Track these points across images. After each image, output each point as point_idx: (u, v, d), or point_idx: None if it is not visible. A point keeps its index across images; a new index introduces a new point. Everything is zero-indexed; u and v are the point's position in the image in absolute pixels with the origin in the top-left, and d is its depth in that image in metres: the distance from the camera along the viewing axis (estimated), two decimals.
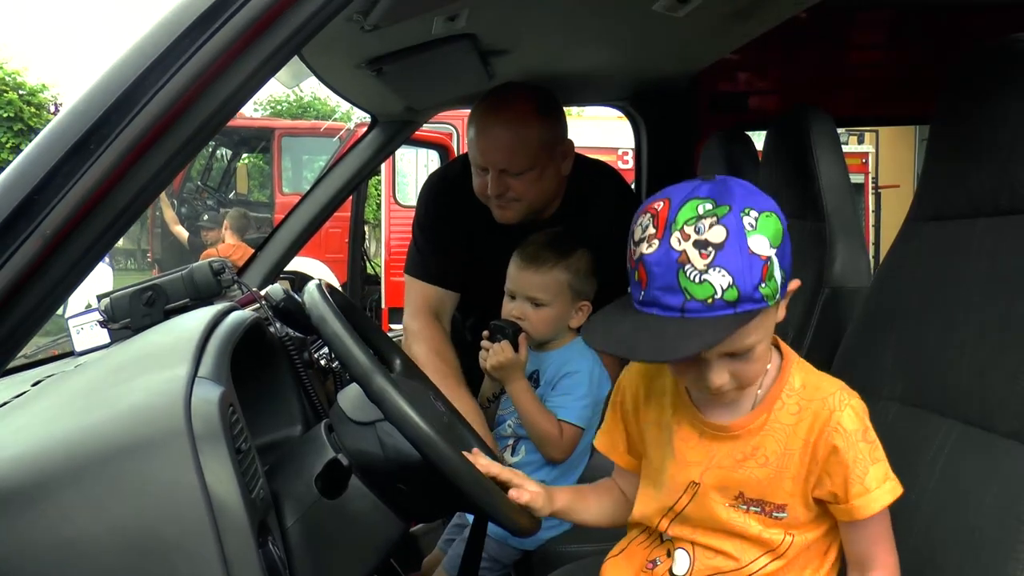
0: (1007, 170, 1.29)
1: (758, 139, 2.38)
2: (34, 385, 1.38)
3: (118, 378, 1.14)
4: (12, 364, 1.04)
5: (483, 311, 2.17)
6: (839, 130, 2.00)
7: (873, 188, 10.18)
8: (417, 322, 2.22)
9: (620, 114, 3.22)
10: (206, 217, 9.23)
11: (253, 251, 2.75)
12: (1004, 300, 1.27)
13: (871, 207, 10.06)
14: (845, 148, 9.35)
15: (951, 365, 1.35)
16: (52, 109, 14.37)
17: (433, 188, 2.37)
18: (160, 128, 0.92)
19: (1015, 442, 1.19)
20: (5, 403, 1.24)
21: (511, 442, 2.00)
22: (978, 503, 1.22)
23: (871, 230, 9.93)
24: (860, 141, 10.58)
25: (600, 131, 8.50)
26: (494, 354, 1.88)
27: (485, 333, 1.93)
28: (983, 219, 1.35)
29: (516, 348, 1.88)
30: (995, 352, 1.26)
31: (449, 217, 2.29)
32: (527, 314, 1.91)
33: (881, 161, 10.54)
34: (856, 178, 9.44)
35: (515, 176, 2.06)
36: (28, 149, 0.94)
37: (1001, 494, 1.18)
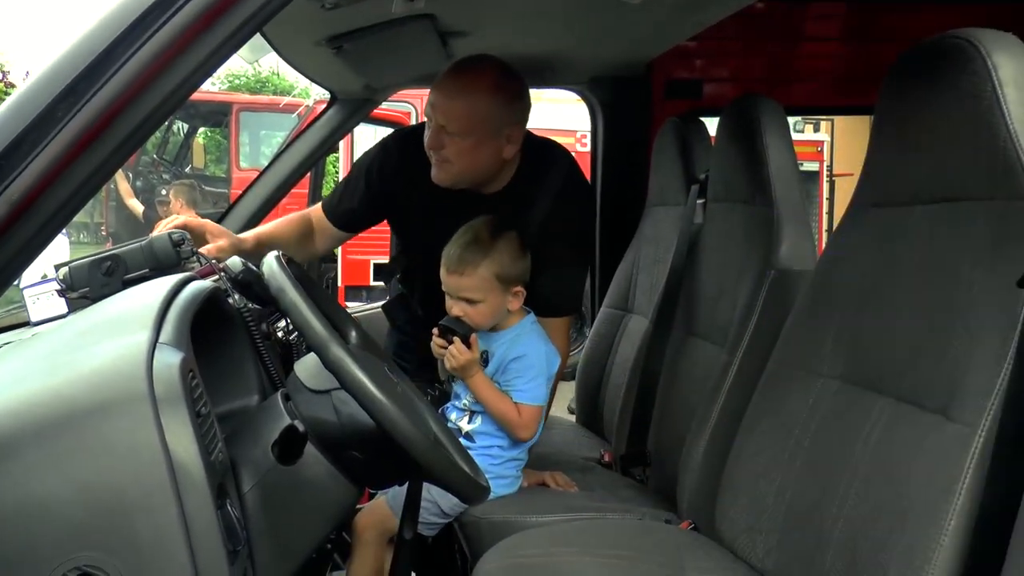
0: (943, 161, 1.35)
1: (712, 125, 2.42)
2: None
3: (80, 343, 1.15)
4: None
5: (425, 283, 2.24)
6: (796, 118, 2.05)
7: (828, 176, 10.33)
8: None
9: (578, 96, 3.25)
10: (164, 192, 9.09)
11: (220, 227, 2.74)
12: (937, 284, 1.33)
13: (825, 194, 10.21)
14: (800, 136, 9.48)
15: (887, 345, 1.41)
16: (1, 77, 14.00)
17: (398, 139, 2.38)
18: (126, 99, 0.94)
19: (941, 417, 1.26)
20: None
21: (467, 414, 2.08)
22: (907, 475, 1.28)
23: (825, 217, 10.08)
24: (816, 129, 10.72)
25: (559, 113, 8.50)
26: (452, 358, 1.98)
27: (435, 331, 2.02)
28: (920, 206, 1.41)
29: (469, 347, 1.98)
30: (926, 333, 1.33)
31: (399, 171, 2.31)
32: (467, 312, 1.99)
33: (836, 150, 10.68)
34: (811, 166, 9.55)
35: (452, 136, 2.07)
36: None
37: (928, 466, 1.25)
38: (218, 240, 2.03)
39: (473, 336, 1.98)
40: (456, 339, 1.98)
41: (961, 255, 1.29)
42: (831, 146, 10.53)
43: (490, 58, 2.16)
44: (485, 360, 2.05)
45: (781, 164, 1.93)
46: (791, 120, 2.15)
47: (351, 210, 2.37)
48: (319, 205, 2.42)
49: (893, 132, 1.47)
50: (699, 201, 2.31)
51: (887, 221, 1.49)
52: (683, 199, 2.45)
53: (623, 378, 2.53)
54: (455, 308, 2.00)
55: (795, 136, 2.02)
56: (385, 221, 2.48)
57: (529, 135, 2.24)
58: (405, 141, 2.35)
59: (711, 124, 2.48)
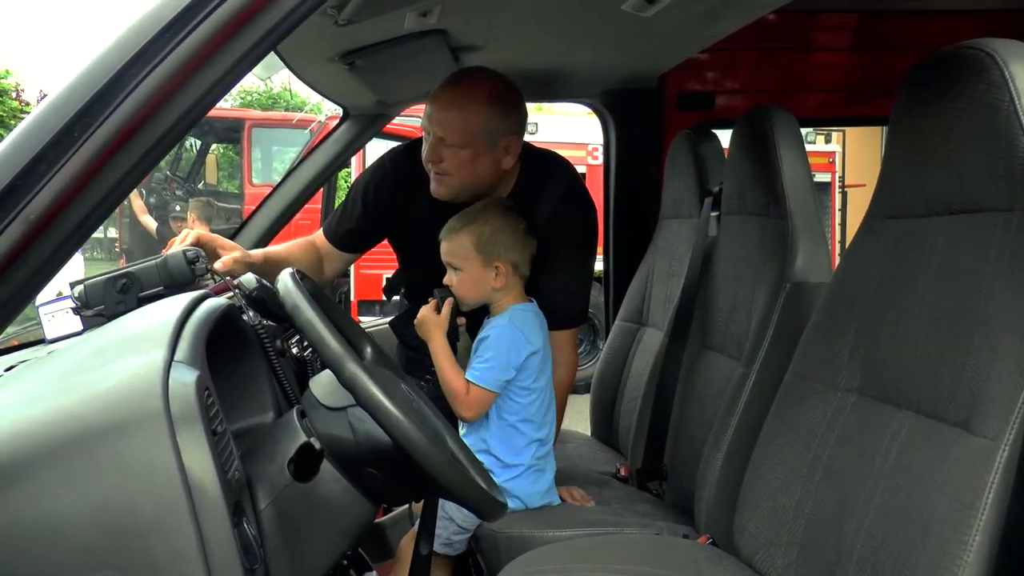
0: (958, 172, 1.34)
1: (725, 137, 2.42)
2: (6, 371, 1.38)
3: (95, 361, 1.15)
4: None
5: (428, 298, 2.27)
6: (807, 129, 2.04)
7: (840, 187, 10.30)
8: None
9: (590, 109, 3.25)
10: (178, 208, 9.15)
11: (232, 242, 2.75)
12: (955, 295, 1.32)
13: (837, 205, 10.17)
14: (812, 147, 9.47)
15: (905, 358, 1.40)
16: (15, 95, 14.13)
17: (394, 157, 2.39)
18: (141, 119, 0.94)
19: (962, 431, 1.24)
20: None
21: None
22: (928, 490, 1.27)
23: (837, 228, 10.05)
24: (827, 140, 10.69)
25: (570, 126, 8.53)
26: (419, 314, 2.04)
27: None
28: (936, 218, 1.40)
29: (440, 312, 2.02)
30: (945, 346, 1.31)
31: (397, 188, 2.32)
32: (453, 281, 2.05)
33: (848, 160, 10.66)
34: (823, 177, 9.52)
35: (450, 148, 2.09)
36: (12, 135, 0.95)
37: (950, 481, 1.23)
38: (230, 254, 2.04)
39: (448, 300, 2.02)
40: (431, 301, 2.03)
41: (980, 266, 1.28)
42: (843, 157, 10.50)
43: (486, 70, 2.18)
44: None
45: (795, 175, 1.92)
46: (803, 132, 2.14)
47: (352, 231, 2.39)
48: (321, 231, 2.44)
49: (908, 143, 1.46)
50: (713, 213, 2.30)
51: (903, 233, 1.48)
52: (697, 211, 2.44)
53: (638, 391, 2.52)
54: (446, 277, 2.06)
55: (807, 147, 2.01)
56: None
57: (528, 147, 2.25)
58: (401, 158, 2.36)
59: (724, 136, 2.47)
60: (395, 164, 2.36)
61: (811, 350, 1.64)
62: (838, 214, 10.15)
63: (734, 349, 2.05)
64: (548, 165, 2.31)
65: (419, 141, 2.22)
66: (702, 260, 2.29)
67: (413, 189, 2.26)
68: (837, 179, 10.19)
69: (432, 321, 2.02)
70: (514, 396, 2.02)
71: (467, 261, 2.02)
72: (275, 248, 2.38)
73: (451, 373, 2.00)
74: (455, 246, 2.03)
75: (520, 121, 2.19)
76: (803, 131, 2.12)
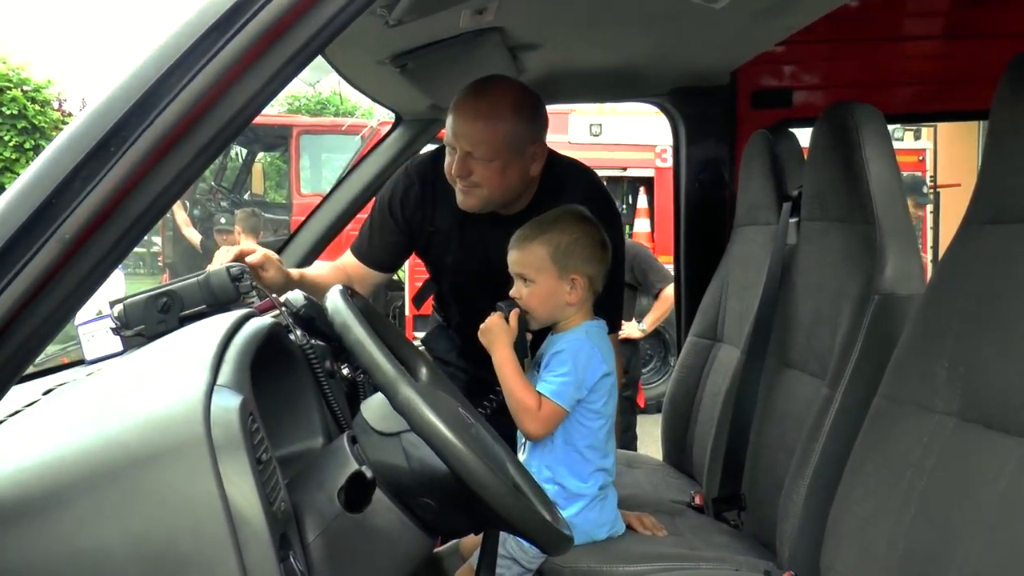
0: None
1: (804, 136, 2.38)
2: (45, 394, 1.41)
3: (134, 386, 1.17)
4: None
5: (460, 309, 2.41)
6: (894, 126, 2.00)
7: (932, 188, 10.09)
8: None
9: (658, 109, 3.24)
10: (223, 220, 9.31)
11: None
12: None
13: (929, 209, 9.97)
14: (899, 145, 9.31)
15: (1012, 378, 1.35)
16: (57, 106, 14.57)
17: (415, 168, 2.45)
18: (181, 130, 0.95)
19: None
20: (16, 412, 1.28)
21: (523, 441, 2.06)
22: None
23: (928, 233, 9.84)
24: (917, 137, 10.49)
25: (637, 127, 8.50)
26: (483, 326, 2.01)
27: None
28: None
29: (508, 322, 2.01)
30: None
31: (421, 199, 2.39)
32: (522, 293, 2.02)
33: (940, 158, 10.43)
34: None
35: (479, 161, 2.15)
36: (46, 151, 0.97)
37: None
38: (269, 269, 2.10)
39: (514, 311, 2.00)
40: (499, 312, 2.01)
41: None
42: (934, 154, 10.28)
43: (504, 77, 2.26)
44: (539, 365, 2.04)
45: (882, 177, 1.89)
46: (890, 128, 2.10)
47: (385, 246, 2.45)
48: (349, 255, 2.50)
49: (1009, 142, 1.42)
50: (792, 220, 2.28)
51: (1005, 239, 1.43)
52: (774, 218, 2.41)
53: (713, 413, 2.50)
54: (513, 290, 2.04)
55: (894, 145, 1.98)
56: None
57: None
58: (423, 169, 2.43)
59: (803, 136, 2.44)
60: (419, 173, 2.42)
61: (903, 369, 1.60)
62: (930, 218, 9.93)
63: (817, 367, 2.02)
64: (565, 169, 2.39)
65: (442, 150, 2.29)
66: (781, 270, 2.26)
67: (438, 198, 2.35)
68: (929, 179, 9.98)
69: (501, 329, 2.00)
70: (584, 419, 2.00)
71: (540, 273, 1.99)
72: (312, 270, 2.45)
73: (520, 385, 1.97)
74: (528, 256, 2.00)
75: (544, 126, 2.27)
76: (890, 128, 2.08)
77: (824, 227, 2.11)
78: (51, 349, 1.98)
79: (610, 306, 2.26)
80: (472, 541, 2.05)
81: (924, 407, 1.52)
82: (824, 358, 1.98)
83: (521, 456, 2.05)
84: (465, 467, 1.14)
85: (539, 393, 1.96)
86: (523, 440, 2.06)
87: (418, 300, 2.75)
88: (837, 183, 1.99)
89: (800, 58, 3.06)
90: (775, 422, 2.17)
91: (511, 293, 2.03)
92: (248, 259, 2.04)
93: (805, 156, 2.30)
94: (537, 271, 1.99)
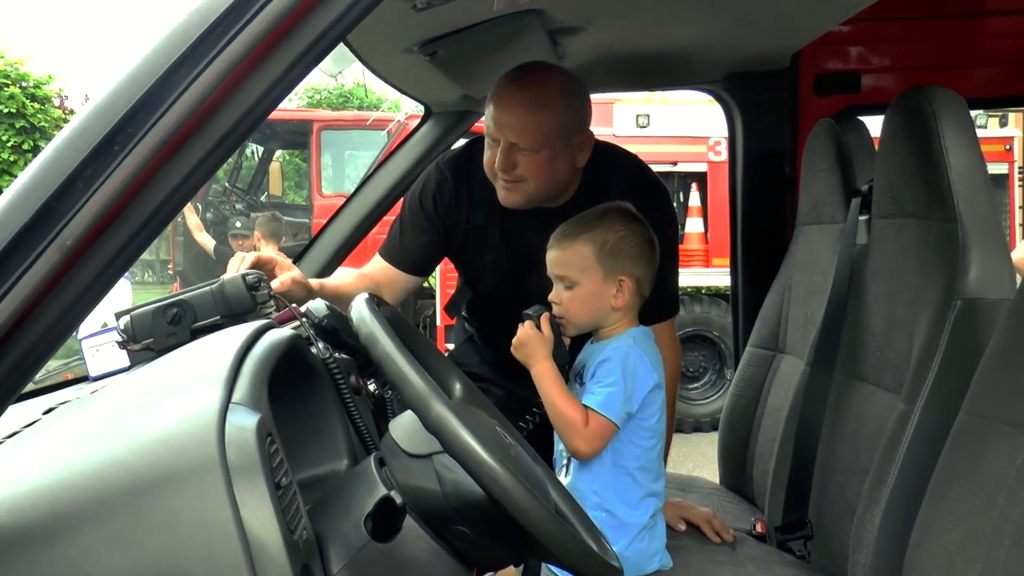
0: None
1: (874, 124, 2.36)
2: (46, 413, 1.42)
3: (142, 404, 1.17)
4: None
5: (495, 317, 2.42)
6: (977, 112, 1.98)
7: (1020, 180, 9.94)
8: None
9: (711, 97, 3.22)
10: (238, 224, 9.40)
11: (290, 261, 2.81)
12: None
13: (1018, 202, 9.82)
14: (983, 133, 9.19)
15: None
16: (58, 103, 14.82)
17: (448, 163, 2.48)
18: (191, 126, 0.95)
19: None
20: (15, 433, 1.29)
21: (564, 461, 2.05)
22: None
23: (1018, 230, 9.70)
24: (1003, 123, 10.36)
25: (688, 117, 8.47)
26: (516, 339, 2.01)
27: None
28: None
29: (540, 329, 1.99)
30: None
31: (455, 197, 2.42)
32: (562, 297, 2.01)
33: None
34: (998, 168, 9.22)
35: (524, 153, 2.17)
36: (46, 151, 0.98)
37: None
38: (286, 276, 2.12)
39: (545, 315, 2.00)
40: (528, 320, 2.00)
41: None
42: (1023, 143, 10.14)
43: (547, 64, 2.30)
44: (580, 376, 2.03)
45: (965, 168, 1.86)
46: (972, 114, 2.07)
47: (419, 247, 2.48)
48: (377, 259, 2.52)
49: None
50: (862, 217, 2.25)
51: None
52: (842, 215, 2.40)
53: (775, 431, 2.48)
54: (552, 294, 2.03)
55: (978, 133, 1.95)
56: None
57: None
58: (457, 161, 2.46)
59: (873, 124, 2.42)
60: (451, 168, 2.45)
61: (991, 382, 1.58)
62: (1019, 212, 9.79)
63: (892, 381, 2.00)
64: (608, 157, 2.41)
65: (475, 143, 2.33)
66: (849, 273, 2.24)
67: (472, 194, 2.39)
68: (1017, 170, 9.84)
69: (536, 339, 1.99)
70: (635, 437, 1.99)
71: (584, 273, 1.99)
72: (334, 280, 2.46)
73: (563, 400, 1.96)
74: (571, 255, 2.00)
75: (589, 114, 2.31)
76: (972, 114, 2.05)
77: (898, 225, 2.08)
78: (52, 364, 2.00)
79: (668, 288, 2.32)
80: (510, 574, 2.04)
81: (1016, 425, 1.49)
82: (900, 370, 1.95)
83: (565, 479, 2.03)
84: (504, 491, 1.14)
85: (585, 406, 1.94)
86: (563, 461, 2.06)
87: (452, 308, 2.75)
88: (913, 176, 1.97)
89: (869, 37, 3.05)
90: (845, 441, 2.15)
91: (550, 297, 2.02)
92: (274, 285, 2.04)
93: (876, 146, 2.28)
94: (580, 271, 1.98)
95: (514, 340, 2.01)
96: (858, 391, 2.16)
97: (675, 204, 8.51)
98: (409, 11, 1.88)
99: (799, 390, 2.35)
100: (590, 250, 1.98)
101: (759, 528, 2.40)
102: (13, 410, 1.41)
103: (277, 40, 0.97)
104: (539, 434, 2.07)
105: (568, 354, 2.04)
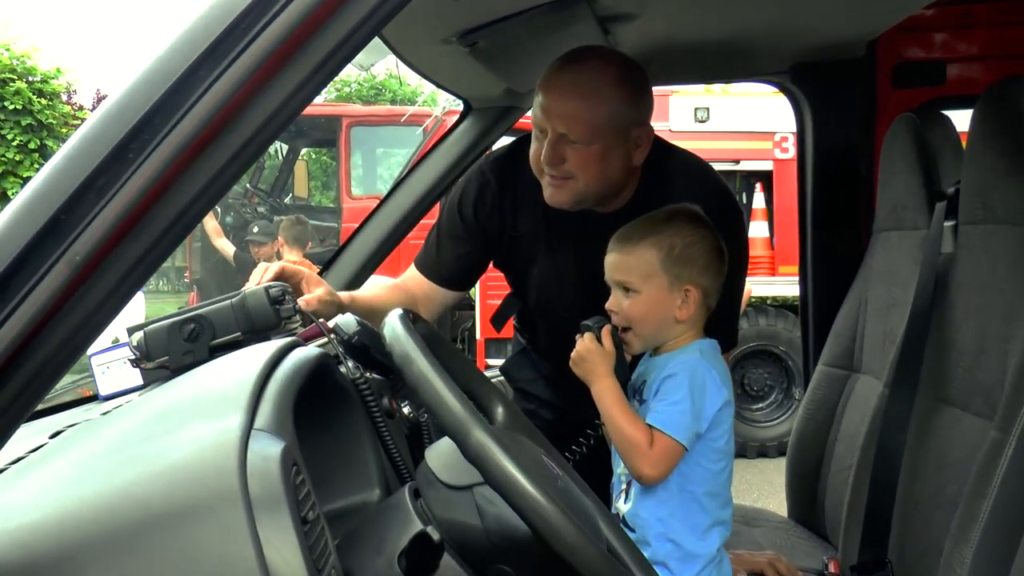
0: None
1: (960, 120, 2.34)
2: (52, 437, 1.44)
3: (156, 430, 1.18)
4: None
5: (548, 328, 2.42)
6: None
7: None
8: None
9: (777, 89, 3.21)
10: (256, 229, 9.46)
11: (317, 270, 2.83)
12: None
13: None
14: None
15: None
16: (66, 98, 15.04)
17: (490, 164, 2.47)
18: (212, 131, 0.96)
19: None
20: (19, 459, 1.30)
21: (624, 486, 2.04)
22: None
23: None
24: None
25: (752, 111, 8.43)
26: (575, 354, 1.99)
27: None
28: None
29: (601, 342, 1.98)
30: None
31: (499, 200, 2.40)
32: (620, 305, 2.00)
33: None
34: None
35: (574, 145, 2.14)
36: (55, 159, 0.99)
37: None
38: (314, 291, 2.11)
39: (605, 328, 1.98)
40: (588, 333, 1.98)
41: None
42: None
43: (604, 48, 2.27)
44: (640, 392, 2.02)
45: None
46: None
47: (459, 259, 2.47)
48: (413, 270, 2.51)
49: None
50: (947, 223, 2.24)
51: None
52: (925, 221, 2.38)
53: (851, 459, 2.46)
54: (610, 302, 2.02)
55: None
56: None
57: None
58: (501, 162, 2.44)
59: (959, 119, 2.40)
60: (495, 170, 2.44)
61: None
62: None
63: (982, 405, 1.98)
64: (671, 159, 2.37)
65: (522, 142, 2.30)
66: (934, 285, 2.22)
67: (519, 199, 2.36)
68: None
69: (596, 354, 1.97)
70: (704, 459, 1.97)
71: (648, 281, 1.97)
72: (364, 292, 2.46)
73: (626, 419, 1.94)
74: (634, 260, 1.98)
75: (650, 107, 2.27)
76: None
77: (989, 231, 2.07)
78: (61, 381, 2.03)
79: (728, 317, 2.27)
80: None
81: None
82: (992, 393, 1.93)
83: (625, 506, 2.02)
84: (550, 527, 1.14)
85: (650, 426, 1.93)
86: (623, 486, 2.04)
87: (497, 321, 2.74)
88: (1005, 177, 1.95)
89: (955, 23, 3.02)
90: (929, 471, 2.13)
91: (607, 305, 2.01)
92: (300, 303, 2.02)
93: (963, 144, 2.26)
94: (643, 279, 1.97)
95: (573, 354, 2.00)
96: (944, 416, 2.14)
97: None
98: None
99: (877, 414, 2.33)
100: (655, 256, 1.96)
101: (832, 568, 2.38)
102: (18, 431, 1.43)
103: (305, 37, 0.98)
104: (594, 457, 2.06)
105: (628, 370, 2.03)
